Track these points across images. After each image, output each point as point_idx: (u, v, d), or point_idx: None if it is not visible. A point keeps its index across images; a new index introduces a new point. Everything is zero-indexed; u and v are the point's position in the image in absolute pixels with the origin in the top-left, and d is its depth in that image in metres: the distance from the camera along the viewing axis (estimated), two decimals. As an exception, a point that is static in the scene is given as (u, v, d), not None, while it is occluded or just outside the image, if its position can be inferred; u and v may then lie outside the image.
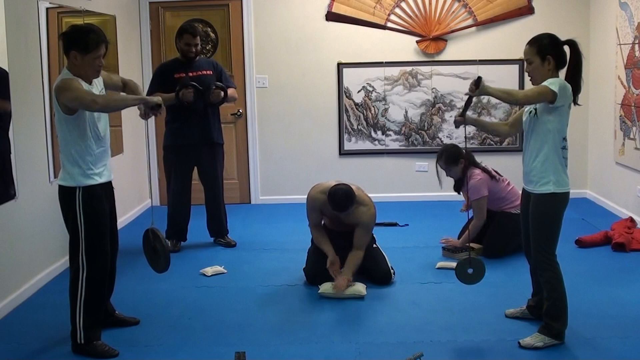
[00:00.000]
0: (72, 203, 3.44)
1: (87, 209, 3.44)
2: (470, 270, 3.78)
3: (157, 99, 3.52)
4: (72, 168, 3.43)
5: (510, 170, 5.34)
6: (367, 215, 4.38)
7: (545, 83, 3.33)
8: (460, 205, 5.49)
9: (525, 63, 3.47)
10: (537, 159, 3.43)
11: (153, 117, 3.65)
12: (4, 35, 4.10)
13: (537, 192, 3.44)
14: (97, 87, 3.53)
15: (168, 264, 3.78)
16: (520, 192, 4.95)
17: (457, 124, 3.71)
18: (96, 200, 3.48)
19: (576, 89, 3.42)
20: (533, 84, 3.49)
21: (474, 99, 3.97)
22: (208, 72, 5.29)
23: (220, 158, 5.46)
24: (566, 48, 3.42)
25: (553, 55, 3.37)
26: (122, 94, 3.80)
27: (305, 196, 4.52)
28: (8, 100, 4.13)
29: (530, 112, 3.45)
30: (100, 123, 3.52)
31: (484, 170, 5.06)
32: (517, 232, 3.78)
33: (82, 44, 3.37)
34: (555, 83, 3.30)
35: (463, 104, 3.79)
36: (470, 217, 5.06)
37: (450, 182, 5.28)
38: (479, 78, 3.34)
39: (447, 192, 5.62)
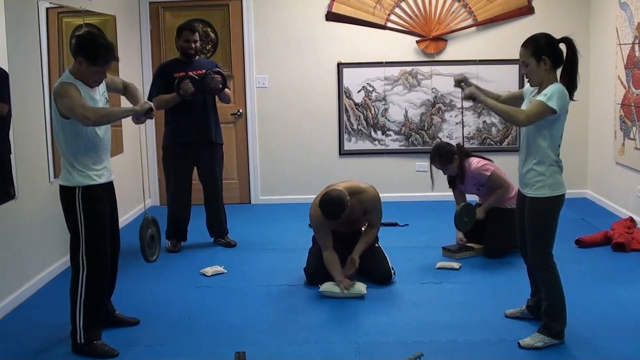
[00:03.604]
0: (72, 203, 3.45)
1: (87, 209, 3.45)
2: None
3: (147, 104, 3.53)
4: (71, 169, 3.44)
5: (510, 170, 5.32)
6: (369, 199, 4.40)
7: (541, 98, 3.30)
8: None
9: (522, 65, 3.46)
10: (532, 163, 3.43)
11: (149, 120, 3.65)
12: (4, 35, 4.11)
13: (532, 196, 3.44)
14: (99, 90, 3.54)
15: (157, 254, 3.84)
16: (514, 183, 5.00)
17: (468, 98, 3.60)
18: (96, 200, 3.49)
19: (572, 86, 3.41)
20: (530, 85, 3.49)
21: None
22: (208, 71, 5.29)
23: (219, 158, 5.46)
24: (562, 46, 3.41)
25: (549, 55, 3.36)
26: (112, 107, 3.78)
27: (305, 196, 4.53)
28: (6, 102, 4.13)
29: None
30: (99, 127, 3.52)
31: (479, 157, 5.08)
32: (515, 228, 3.78)
33: (92, 55, 3.37)
34: (553, 97, 3.27)
35: (454, 86, 3.83)
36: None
37: (443, 183, 5.29)
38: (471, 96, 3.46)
39: (447, 192, 5.62)
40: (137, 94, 3.76)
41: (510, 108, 3.43)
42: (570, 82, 3.39)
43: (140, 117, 3.54)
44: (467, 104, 3.61)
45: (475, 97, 3.50)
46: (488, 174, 4.95)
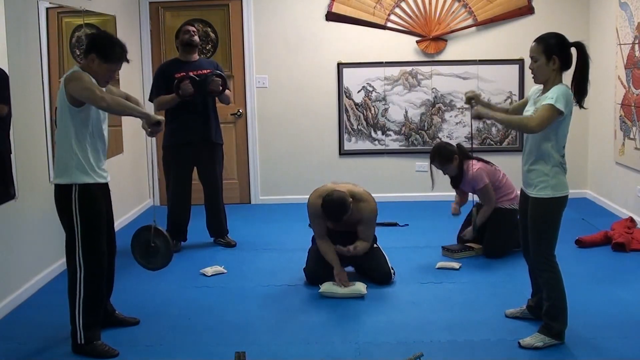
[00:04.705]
0: (69, 202, 3.44)
1: (83, 208, 3.44)
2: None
3: (159, 117, 3.53)
4: (70, 161, 3.42)
5: (510, 171, 5.33)
6: (367, 210, 4.39)
7: (549, 101, 3.29)
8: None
9: (530, 60, 3.44)
10: (536, 163, 3.42)
11: (152, 134, 3.63)
12: (4, 35, 4.11)
13: (535, 196, 3.44)
14: None
15: (168, 262, 3.80)
16: (514, 183, 5.00)
17: (477, 117, 3.63)
18: (93, 199, 3.48)
19: (582, 93, 3.41)
20: (535, 82, 3.49)
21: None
22: (208, 71, 5.28)
23: (219, 158, 5.46)
24: (573, 50, 3.41)
25: (559, 55, 3.36)
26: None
27: (305, 196, 4.52)
28: (6, 103, 4.13)
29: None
30: (104, 124, 3.54)
31: (479, 159, 5.07)
32: (515, 228, 3.78)
33: (106, 52, 3.39)
34: (560, 99, 3.27)
35: (465, 103, 3.80)
36: (474, 205, 5.07)
37: (443, 183, 5.28)
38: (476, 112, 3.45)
39: (447, 192, 5.62)
40: (140, 106, 3.76)
41: (519, 118, 3.45)
42: (580, 89, 3.39)
43: (148, 126, 3.54)
44: (474, 118, 3.60)
45: (484, 116, 3.51)
46: (481, 185, 4.93)
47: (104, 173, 3.57)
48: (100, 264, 3.53)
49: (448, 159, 4.98)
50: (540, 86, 3.48)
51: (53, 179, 3.54)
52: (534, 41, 3.43)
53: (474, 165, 4.94)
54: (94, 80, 3.39)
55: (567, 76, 3.45)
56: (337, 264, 4.36)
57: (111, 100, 3.37)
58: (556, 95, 3.29)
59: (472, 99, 3.74)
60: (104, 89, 3.55)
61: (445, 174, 5.15)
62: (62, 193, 3.47)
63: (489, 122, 6.77)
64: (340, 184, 4.51)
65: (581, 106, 3.45)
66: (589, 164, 6.90)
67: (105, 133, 3.57)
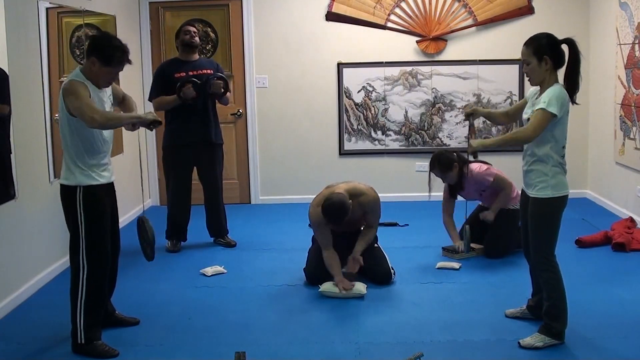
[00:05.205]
0: (73, 202, 3.45)
1: (88, 209, 3.45)
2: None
3: (152, 115, 3.53)
4: (74, 167, 3.44)
5: (510, 171, 5.33)
6: (368, 201, 4.42)
7: (541, 105, 3.30)
8: (457, 205, 5.39)
9: (523, 64, 3.47)
10: (536, 164, 3.42)
11: (150, 131, 3.64)
12: (4, 35, 4.11)
13: (535, 196, 3.44)
14: (106, 92, 3.55)
15: (153, 253, 3.80)
16: (514, 183, 5.00)
17: (473, 154, 3.70)
18: (97, 200, 3.49)
19: (574, 88, 3.41)
20: (531, 84, 3.49)
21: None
22: (209, 71, 5.29)
23: (219, 158, 5.46)
24: (565, 47, 3.41)
25: (550, 55, 3.36)
26: (119, 112, 3.78)
27: (305, 196, 4.53)
28: (6, 103, 4.13)
29: (529, 119, 3.43)
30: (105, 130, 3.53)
31: (477, 161, 5.06)
32: (516, 229, 3.77)
33: (106, 56, 3.38)
34: (552, 102, 3.27)
35: (464, 120, 3.81)
36: (466, 222, 5.06)
37: (442, 182, 5.27)
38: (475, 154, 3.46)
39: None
40: (133, 107, 3.77)
41: (514, 133, 3.49)
42: (572, 84, 3.39)
43: (142, 126, 3.55)
44: (471, 153, 3.65)
45: (481, 149, 3.54)
46: (491, 179, 4.92)
47: (108, 174, 3.58)
48: (104, 264, 3.53)
49: (448, 166, 4.94)
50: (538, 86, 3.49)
51: (60, 179, 3.53)
52: (524, 44, 3.42)
53: (476, 167, 4.94)
54: (91, 91, 3.38)
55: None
56: (338, 273, 4.33)
57: (101, 118, 3.33)
58: (549, 98, 3.29)
59: (471, 115, 3.77)
60: (107, 89, 3.55)
61: (445, 182, 5.12)
62: (67, 193, 3.48)
63: (488, 122, 6.78)
64: (335, 185, 4.49)
65: (574, 102, 3.44)
66: (589, 164, 6.90)
67: (107, 134, 3.56)
